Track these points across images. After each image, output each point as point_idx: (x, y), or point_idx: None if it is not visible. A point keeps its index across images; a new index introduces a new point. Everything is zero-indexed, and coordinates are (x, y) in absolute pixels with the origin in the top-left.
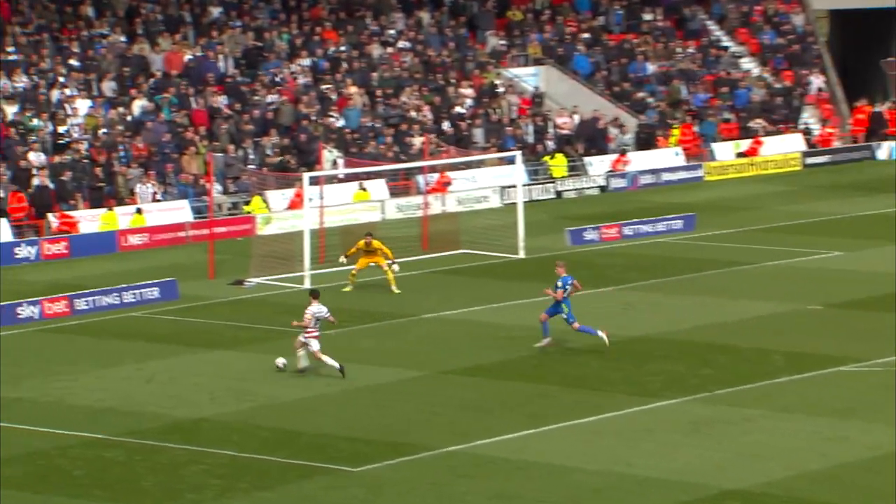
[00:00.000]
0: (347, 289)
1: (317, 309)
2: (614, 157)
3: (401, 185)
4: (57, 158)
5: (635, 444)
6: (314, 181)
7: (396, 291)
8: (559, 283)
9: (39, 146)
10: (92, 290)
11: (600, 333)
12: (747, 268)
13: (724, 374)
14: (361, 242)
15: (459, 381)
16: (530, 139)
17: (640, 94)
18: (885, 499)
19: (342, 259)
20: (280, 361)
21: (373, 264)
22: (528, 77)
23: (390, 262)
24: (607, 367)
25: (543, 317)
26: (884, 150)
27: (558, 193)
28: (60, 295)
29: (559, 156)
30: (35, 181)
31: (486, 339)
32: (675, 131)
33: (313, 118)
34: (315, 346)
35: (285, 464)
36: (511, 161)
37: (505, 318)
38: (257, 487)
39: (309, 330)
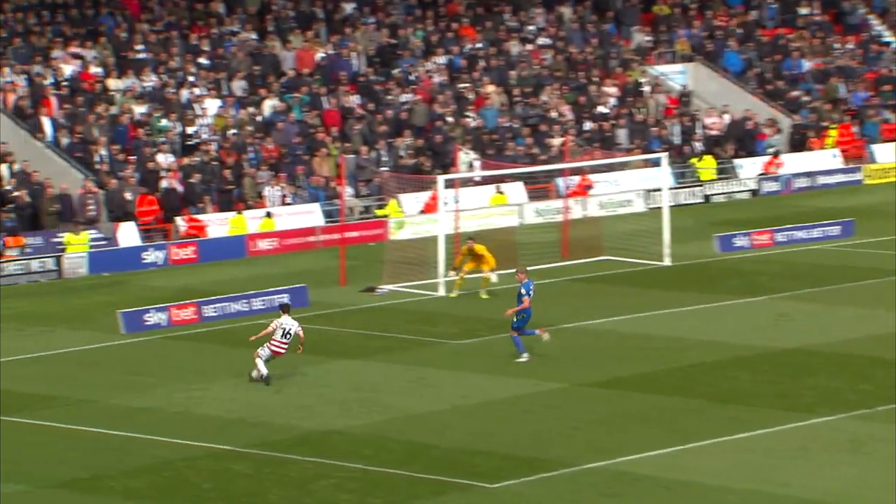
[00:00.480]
0: (453, 294)
1: (287, 322)
2: (766, 159)
3: (540, 188)
4: (186, 160)
5: (790, 462)
6: (449, 184)
7: (485, 297)
8: (522, 291)
9: (168, 147)
10: (221, 297)
11: (537, 332)
12: None
13: (885, 389)
14: (465, 248)
15: (600, 394)
16: (677, 140)
17: (795, 93)
18: None
19: (450, 272)
20: (257, 373)
21: (477, 273)
22: (676, 75)
23: (491, 270)
24: (758, 380)
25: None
26: None
27: (706, 197)
28: (188, 301)
29: (708, 158)
30: (163, 183)
31: (628, 351)
32: (833, 132)
33: (449, 118)
34: (264, 354)
35: (418, 479)
36: (656, 163)
37: (649, 329)
38: (389, 503)
39: (280, 342)
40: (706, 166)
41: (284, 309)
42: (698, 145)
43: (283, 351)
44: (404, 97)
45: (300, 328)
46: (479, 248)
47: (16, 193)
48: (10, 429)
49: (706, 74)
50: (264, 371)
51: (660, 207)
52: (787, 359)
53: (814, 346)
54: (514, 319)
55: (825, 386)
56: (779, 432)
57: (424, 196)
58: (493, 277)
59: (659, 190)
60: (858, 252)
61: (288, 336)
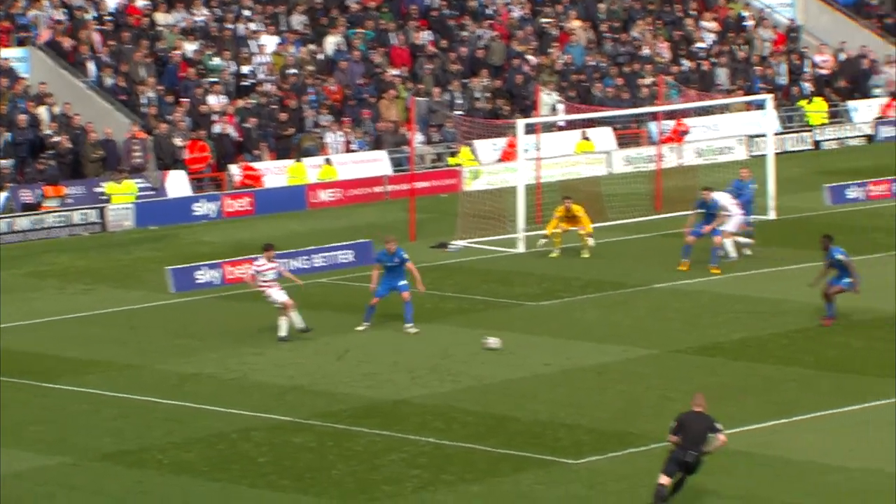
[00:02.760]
0: (555, 254)
1: (265, 263)
2: (884, 101)
3: (630, 133)
4: (240, 103)
5: None
6: (530, 129)
7: (585, 256)
8: (396, 259)
9: (221, 89)
10: (279, 252)
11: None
12: None
13: None
14: (560, 209)
15: (696, 361)
16: (783, 81)
17: None
18: None
19: (541, 241)
20: (492, 341)
21: (572, 229)
22: (783, 8)
23: (588, 235)
24: (872, 347)
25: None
26: None
27: (816, 144)
28: (244, 258)
29: (818, 100)
30: (216, 128)
31: (727, 314)
32: None
33: (530, 57)
34: (278, 296)
35: (495, 454)
36: (760, 106)
37: (750, 290)
38: (464, 480)
39: (266, 282)
40: (816, 109)
41: (266, 248)
42: (807, 86)
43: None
44: (480, 33)
45: (281, 267)
46: (577, 209)
47: (56, 139)
48: (51, 396)
49: (817, 7)
50: (299, 323)
51: (764, 155)
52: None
53: None
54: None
55: None
56: (892, 404)
57: (502, 143)
58: (591, 242)
59: (763, 136)
60: None
61: (266, 274)
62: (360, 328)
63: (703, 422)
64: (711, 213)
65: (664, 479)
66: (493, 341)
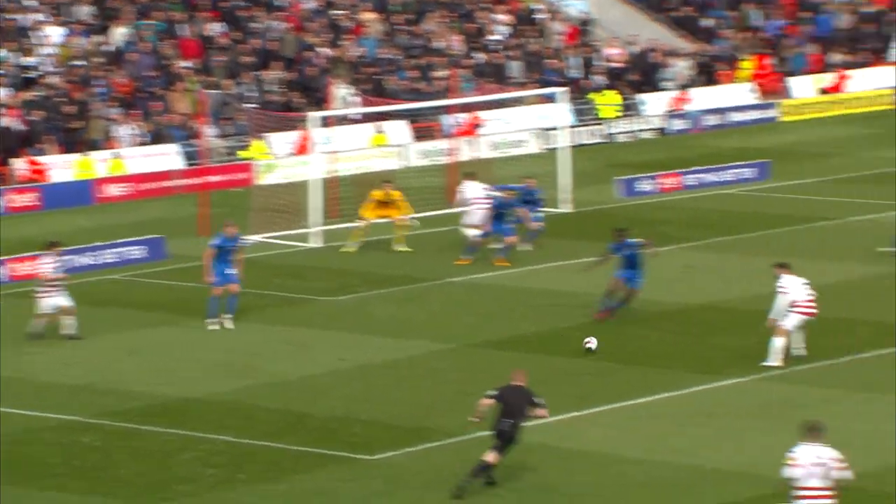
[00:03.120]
0: (351, 249)
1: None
2: (674, 94)
3: (424, 127)
4: (25, 95)
5: (696, 429)
6: (323, 122)
7: (402, 250)
8: (237, 245)
9: (5, 80)
10: (65, 249)
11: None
12: (829, 224)
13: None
14: (378, 193)
15: (492, 355)
16: (576, 74)
17: (705, 21)
18: None
19: (358, 221)
20: (592, 343)
21: (386, 219)
22: (575, 1)
23: (409, 217)
24: (666, 340)
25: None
26: None
27: (608, 137)
28: (29, 254)
29: (609, 93)
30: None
31: (523, 307)
32: (747, 64)
33: (323, 49)
34: (57, 302)
35: (293, 451)
36: (553, 99)
37: (546, 283)
38: (261, 479)
39: (52, 285)
40: (608, 102)
41: (52, 245)
42: (599, 79)
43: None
44: (272, 25)
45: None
46: (396, 194)
47: None
48: None
49: (608, 1)
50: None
51: (557, 148)
52: (696, 316)
53: (725, 302)
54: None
55: (736, 345)
56: (685, 396)
57: (295, 136)
58: (417, 223)
59: (556, 129)
60: (774, 197)
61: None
62: (210, 327)
63: (523, 395)
64: (528, 200)
65: (489, 455)
66: (592, 342)
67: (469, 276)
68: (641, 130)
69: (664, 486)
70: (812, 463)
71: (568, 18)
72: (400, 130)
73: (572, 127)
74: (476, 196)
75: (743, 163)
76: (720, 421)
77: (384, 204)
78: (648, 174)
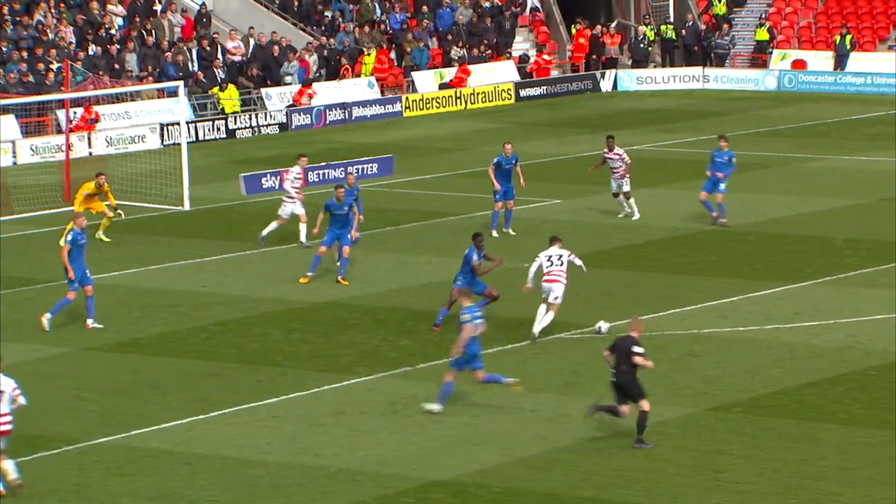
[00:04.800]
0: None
1: None
2: (296, 88)
3: (36, 121)
4: None
5: (324, 429)
6: None
7: (106, 239)
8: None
9: None
10: None
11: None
12: (453, 219)
13: (427, 345)
14: (91, 185)
15: (112, 358)
16: (195, 67)
17: (327, 14)
18: (614, 485)
19: (108, 212)
20: (603, 326)
21: (93, 211)
22: None
23: (114, 207)
24: (291, 339)
25: None
26: (608, 81)
27: (231, 132)
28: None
29: (231, 87)
30: None
31: (143, 309)
32: (369, 59)
33: None
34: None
35: None
36: (173, 93)
37: (167, 283)
38: None
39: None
40: (229, 97)
41: None
42: (220, 73)
43: None
44: None
45: None
46: (107, 186)
47: None
48: None
49: None
50: None
51: (177, 144)
52: (321, 315)
53: (349, 299)
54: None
55: (363, 343)
56: (313, 396)
57: None
58: (122, 214)
59: (176, 124)
60: (398, 193)
61: None
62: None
63: (626, 344)
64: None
65: (622, 409)
66: (604, 326)
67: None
68: (264, 126)
69: (291, 488)
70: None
71: (185, 10)
72: (9, 126)
73: (192, 122)
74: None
75: (367, 158)
76: (349, 420)
77: (97, 196)
78: (272, 170)
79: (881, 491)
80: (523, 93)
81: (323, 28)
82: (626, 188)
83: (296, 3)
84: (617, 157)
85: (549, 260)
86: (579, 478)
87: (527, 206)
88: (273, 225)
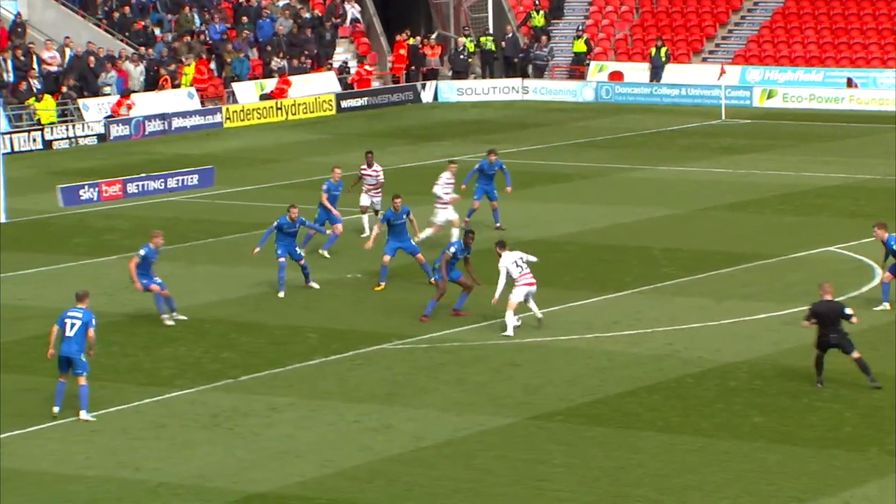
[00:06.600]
0: None
1: None
2: (115, 99)
3: None
4: None
5: (145, 443)
6: None
7: None
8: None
9: None
10: None
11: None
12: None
13: (249, 357)
14: None
15: None
16: (11, 78)
17: (145, 24)
18: (436, 495)
19: None
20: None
21: None
22: (7, 2)
23: None
24: (112, 352)
25: None
26: (429, 92)
27: (48, 143)
28: None
29: (48, 98)
30: None
31: None
32: (189, 69)
33: None
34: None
35: None
36: None
37: None
38: None
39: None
40: (46, 108)
41: None
42: (36, 84)
43: None
44: None
45: None
46: None
47: None
48: None
49: (41, 2)
50: None
51: None
52: (142, 327)
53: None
54: None
55: (184, 355)
56: (133, 409)
57: None
58: None
59: None
60: (220, 204)
61: None
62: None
63: (833, 308)
64: None
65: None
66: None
67: None
68: (82, 136)
69: (110, 503)
70: None
71: (0, 20)
72: None
73: (8, 133)
74: None
75: (187, 169)
76: (170, 433)
77: None
78: (90, 182)
79: (698, 498)
80: (344, 104)
81: (141, 38)
82: (378, 207)
83: (115, 14)
84: (375, 173)
85: (516, 266)
86: (401, 488)
87: (350, 217)
88: (429, 231)
